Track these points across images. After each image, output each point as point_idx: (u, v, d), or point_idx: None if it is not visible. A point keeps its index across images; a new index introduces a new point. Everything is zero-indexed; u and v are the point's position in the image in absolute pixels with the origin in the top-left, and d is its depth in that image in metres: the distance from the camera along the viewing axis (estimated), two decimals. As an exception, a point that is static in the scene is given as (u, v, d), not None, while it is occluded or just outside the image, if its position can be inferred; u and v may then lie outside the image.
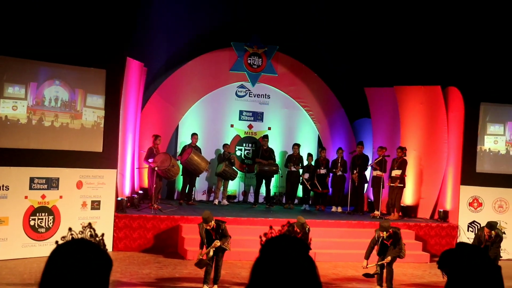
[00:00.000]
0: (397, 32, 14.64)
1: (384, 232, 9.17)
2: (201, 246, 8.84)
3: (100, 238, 2.22)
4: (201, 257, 8.73)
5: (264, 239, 2.18)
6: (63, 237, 2.18)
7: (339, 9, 15.12)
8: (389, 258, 9.20)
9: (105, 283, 2.12)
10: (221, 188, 14.51)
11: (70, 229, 2.22)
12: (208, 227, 8.67)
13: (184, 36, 14.69)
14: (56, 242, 2.16)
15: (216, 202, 14.45)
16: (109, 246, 11.33)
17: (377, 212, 13.50)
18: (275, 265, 2.07)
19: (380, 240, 9.30)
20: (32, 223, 10.59)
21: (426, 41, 14.24)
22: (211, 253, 8.66)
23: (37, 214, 10.65)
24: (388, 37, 14.87)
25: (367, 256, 9.44)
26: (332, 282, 9.94)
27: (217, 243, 8.63)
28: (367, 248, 9.50)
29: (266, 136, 15.13)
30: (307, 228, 9.16)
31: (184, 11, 14.46)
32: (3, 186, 10.24)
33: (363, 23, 15.06)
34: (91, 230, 2.21)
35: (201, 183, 15.03)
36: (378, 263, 9.29)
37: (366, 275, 9.29)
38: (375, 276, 9.33)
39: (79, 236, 2.20)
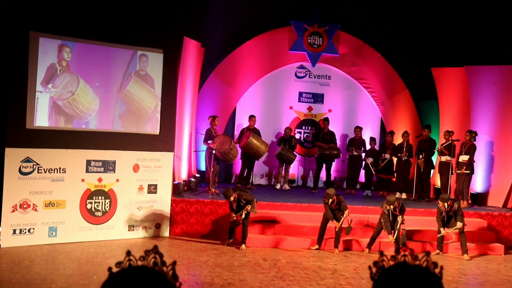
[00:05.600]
0: (467, 8, 13.73)
1: (445, 204, 10.14)
2: (231, 210, 10.39)
3: (170, 267, 1.68)
4: (235, 219, 10.30)
5: (374, 269, 1.65)
6: (119, 263, 1.63)
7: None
8: (460, 224, 10.19)
9: None
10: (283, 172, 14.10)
11: (128, 253, 1.66)
12: (232, 199, 10.23)
13: (242, 14, 14.22)
14: (109, 269, 1.62)
15: (278, 186, 14.05)
16: (166, 231, 11.08)
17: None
18: None
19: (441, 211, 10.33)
20: (89, 206, 10.41)
21: (499, 17, 13.30)
22: (243, 215, 10.24)
23: (94, 198, 10.46)
24: (457, 13, 13.96)
25: (442, 225, 10.43)
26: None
27: (248, 207, 10.19)
28: (437, 221, 10.47)
29: (326, 119, 14.56)
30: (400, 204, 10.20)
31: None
32: (60, 168, 10.06)
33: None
34: (156, 256, 1.68)
35: (260, 166, 14.62)
36: (452, 229, 10.32)
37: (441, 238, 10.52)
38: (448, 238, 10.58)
39: (139, 263, 1.66)
